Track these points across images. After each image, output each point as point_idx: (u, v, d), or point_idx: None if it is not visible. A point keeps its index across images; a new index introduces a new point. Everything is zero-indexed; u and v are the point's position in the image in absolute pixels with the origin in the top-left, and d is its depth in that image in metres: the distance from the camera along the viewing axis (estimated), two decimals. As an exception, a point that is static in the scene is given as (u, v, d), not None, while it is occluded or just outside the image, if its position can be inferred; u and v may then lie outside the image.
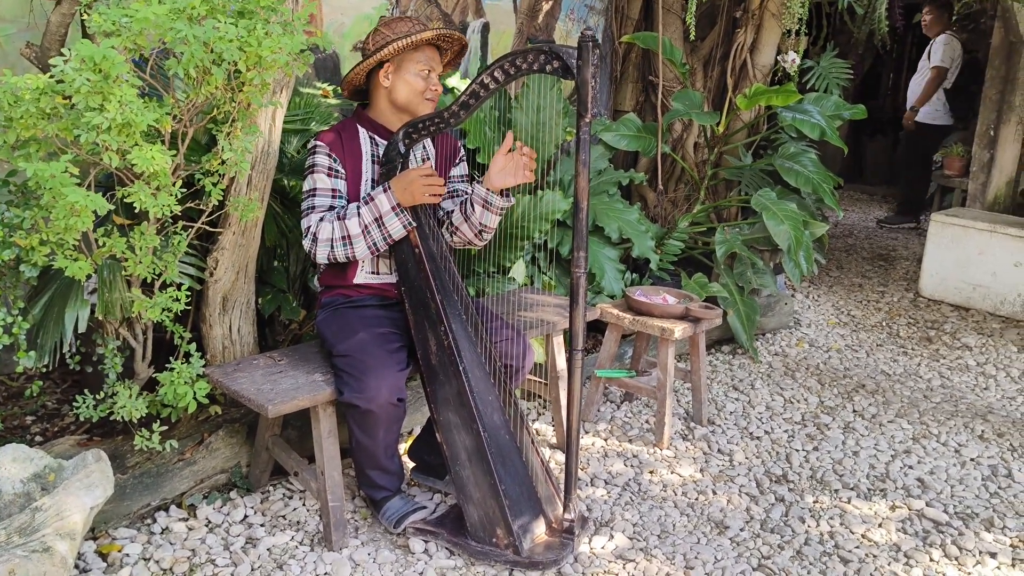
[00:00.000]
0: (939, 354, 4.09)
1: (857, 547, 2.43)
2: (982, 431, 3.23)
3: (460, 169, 2.61)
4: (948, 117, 6.56)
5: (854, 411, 3.37)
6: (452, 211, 2.49)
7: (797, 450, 3.01)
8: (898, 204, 7.22)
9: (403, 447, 2.77)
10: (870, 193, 8.52)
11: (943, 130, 6.67)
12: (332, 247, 2.32)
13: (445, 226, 2.51)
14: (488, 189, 2.36)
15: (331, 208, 2.37)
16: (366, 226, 2.30)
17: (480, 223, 2.42)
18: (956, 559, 2.41)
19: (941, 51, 6.37)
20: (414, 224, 2.34)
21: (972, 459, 3.01)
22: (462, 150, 2.64)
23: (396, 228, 2.31)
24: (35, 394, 2.52)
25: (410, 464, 2.67)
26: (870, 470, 2.90)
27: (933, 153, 6.78)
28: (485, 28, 4.01)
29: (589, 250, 3.54)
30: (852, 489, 2.76)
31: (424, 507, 2.41)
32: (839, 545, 2.44)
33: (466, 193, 2.55)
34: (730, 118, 4.23)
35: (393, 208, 2.29)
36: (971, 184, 5.60)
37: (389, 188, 2.30)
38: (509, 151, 2.34)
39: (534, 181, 2.39)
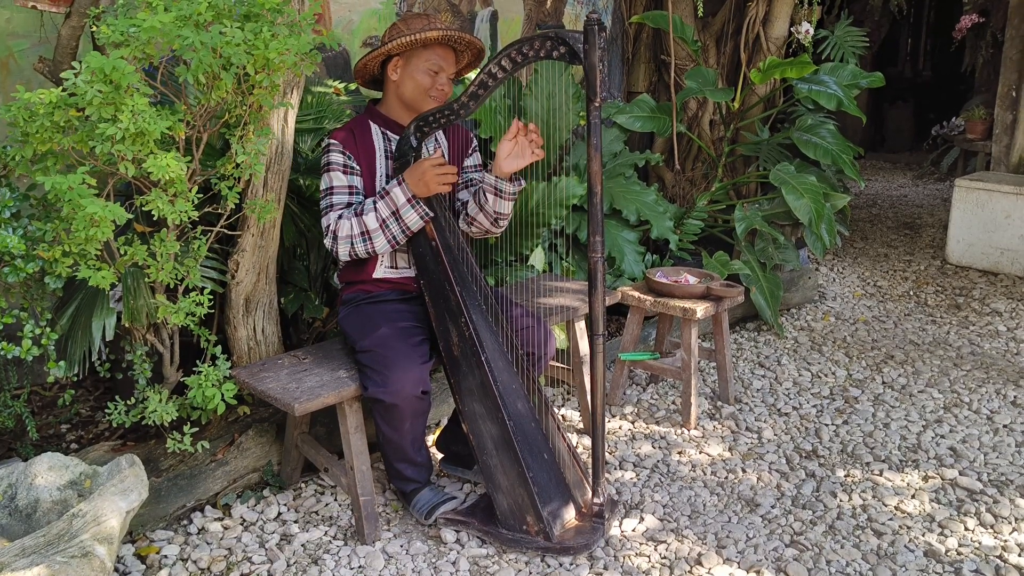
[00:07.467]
0: (968, 321, 4.04)
1: (890, 519, 2.42)
2: (1015, 397, 3.19)
3: (474, 159, 2.62)
4: None
5: (883, 383, 3.35)
6: (467, 201, 2.50)
7: (827, 424, 3.00)
8: None
9: (431, 438, 2.79)
10: (892, 161, 8.40)
11: None
12: (352, 244, 2.34)
13: (461, 217, 2.52)
14: (497, 176, 2.37)
15: (349, 205, 2.38)
16: (384, 220, 2.31)
17: (495, 211, 2.43)
18: (991, 527, 2.39)
19: None
20: (431, 214, 2.34)
21: (1005, 425, 2.97)
22: (474, 140, 2.64)
23: (413, 220, 2.32)
24: (68, 403, 2.56)
25: (438, 455, 2.69)
26: (901, 441, 2.88)
27: None
28: (494, 17, 4.00)
29: (608, 233, 3.53)
30: (884, 461, 2.74)
31: (454, 497, 2.43)
32: (872, 518, 2.43)
33: (481, 183, 2.56)
34: (745, 93, 4.19)
35: (409, 200, 2.30)
36: (995, 147, 5.51)
37: (403, 180, 2.31)
38: (515, 136, 2.33)
39: (546, 161, 2.38)
